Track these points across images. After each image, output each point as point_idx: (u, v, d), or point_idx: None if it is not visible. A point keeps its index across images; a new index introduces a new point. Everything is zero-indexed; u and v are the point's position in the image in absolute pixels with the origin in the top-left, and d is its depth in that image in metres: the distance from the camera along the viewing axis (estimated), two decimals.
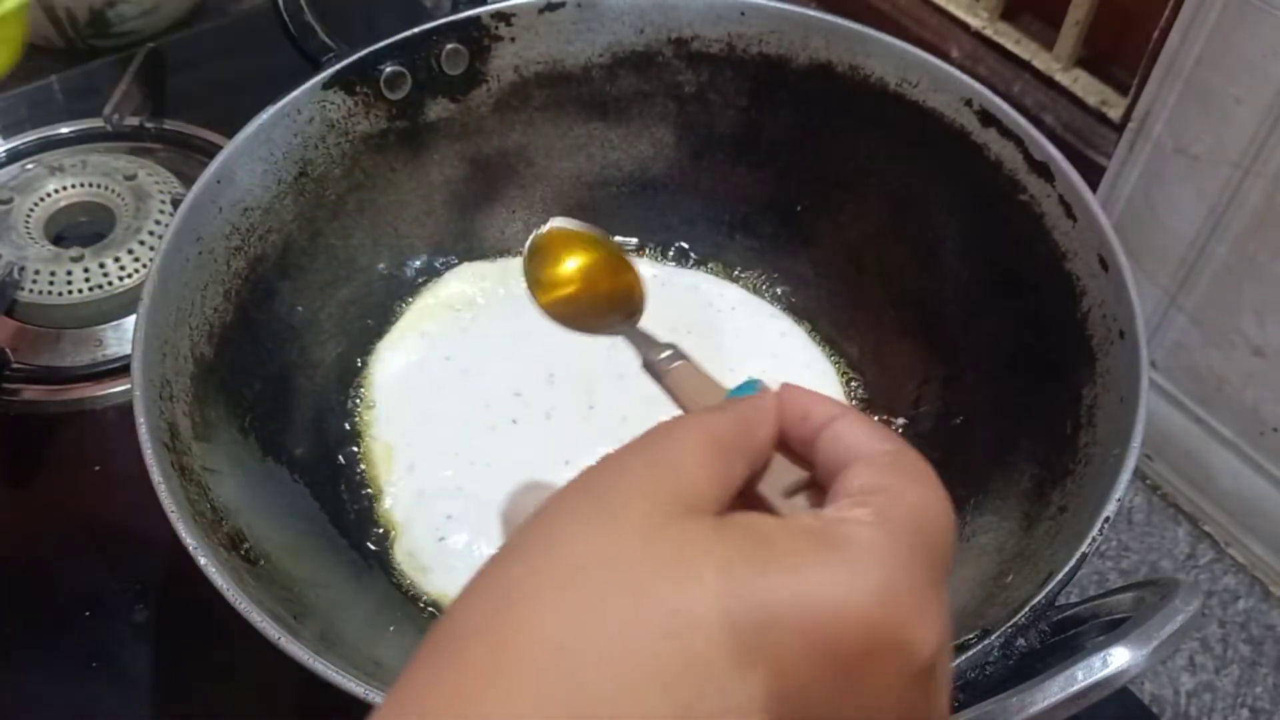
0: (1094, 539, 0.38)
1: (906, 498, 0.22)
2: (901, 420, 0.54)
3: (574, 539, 0.21)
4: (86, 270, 0.61)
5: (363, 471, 0.52)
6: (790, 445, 0.25)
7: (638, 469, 0.22)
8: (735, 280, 0.60)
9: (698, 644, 0.19)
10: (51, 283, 0.61)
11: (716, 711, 0.19)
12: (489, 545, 0.50)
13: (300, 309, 0.53)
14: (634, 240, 0.62)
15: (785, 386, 0.25)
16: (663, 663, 0.19)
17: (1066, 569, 0.37)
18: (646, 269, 0.60)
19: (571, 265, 0.29)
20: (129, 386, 0.42)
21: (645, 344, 0.33)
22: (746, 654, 0.19)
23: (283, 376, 0.52)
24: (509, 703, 0.19)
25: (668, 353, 0.33)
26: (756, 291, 0.60)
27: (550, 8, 0.55)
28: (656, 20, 0.56)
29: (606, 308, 0.31)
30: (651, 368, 0.32)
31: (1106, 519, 0.38)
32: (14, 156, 0.69)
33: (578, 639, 0.19)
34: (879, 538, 0.21)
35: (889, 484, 0.22)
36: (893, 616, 0.20)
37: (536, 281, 0.30)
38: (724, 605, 0.19)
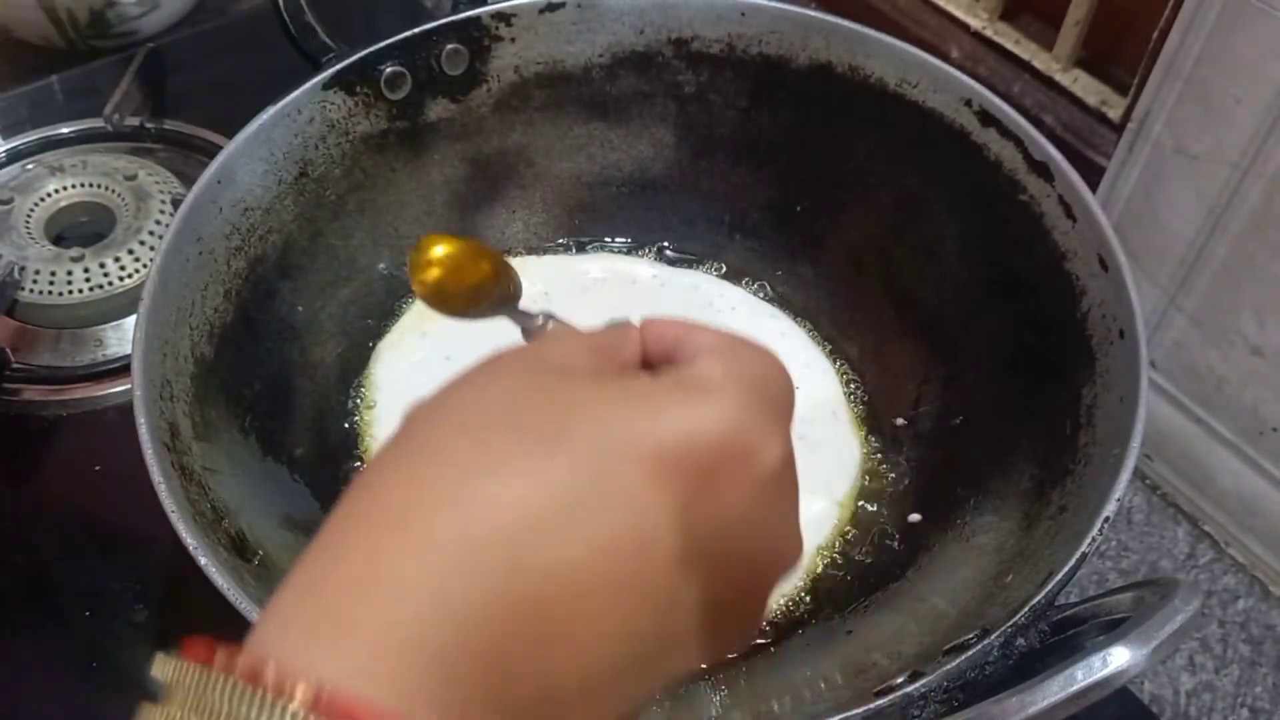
0: (1094, 539, 0.38)
1: (748, 358, 0.26)
2: (901, 420, 0.54)
3: (468, 400, 0.24)
4: (86, 270, 0.61)
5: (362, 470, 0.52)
6: (653, 363, 0.28)
7: (520, 358, 0.26)
8: (735, 280, 0.60)
9: (609, 470, 0.22)
10: (51, 283, 0.61)
11: (624, 524, 0.22)
12: None
13: (300, 309, 0.53)
14: (642, 240, 0.62)
15: (646, 317, 0.29)
16: (575, 492, 0.22)
17: (1066, 569, 0.37)
18: (646, 269, 0.60)
19: (439, 251, 0.31)
20: (129, 386, 0.42)
21: (521, 318, 0.36)
22: (644, 476, 0.22)
23: (283, 376, 0.52)
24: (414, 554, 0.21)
25: (540, 319, 0.35)
26: (756, 291, 0.60)
27: (550, 8, 0.55)
28: (656, 20, 0.56)
29: (478, 292, 0.34)
30: (528, 335, 0.34)
31: (1106, 519, 0.38)
32: (14, 156, 0.69)
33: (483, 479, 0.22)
34: (727, 381, 0.24)
35: (734, 352, 0.26)
36: (741, 433, 0.23)
37: (413, 278, 0.32)
38: (601, 444, 0.22)
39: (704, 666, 0.28)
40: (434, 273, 0.32)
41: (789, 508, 0.26)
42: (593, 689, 0.22)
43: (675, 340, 0.27)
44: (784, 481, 0.25)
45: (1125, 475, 0.39)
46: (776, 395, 0.26)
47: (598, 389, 0.24)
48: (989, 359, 0.52)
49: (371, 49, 0.53)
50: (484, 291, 0.34)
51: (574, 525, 0.22)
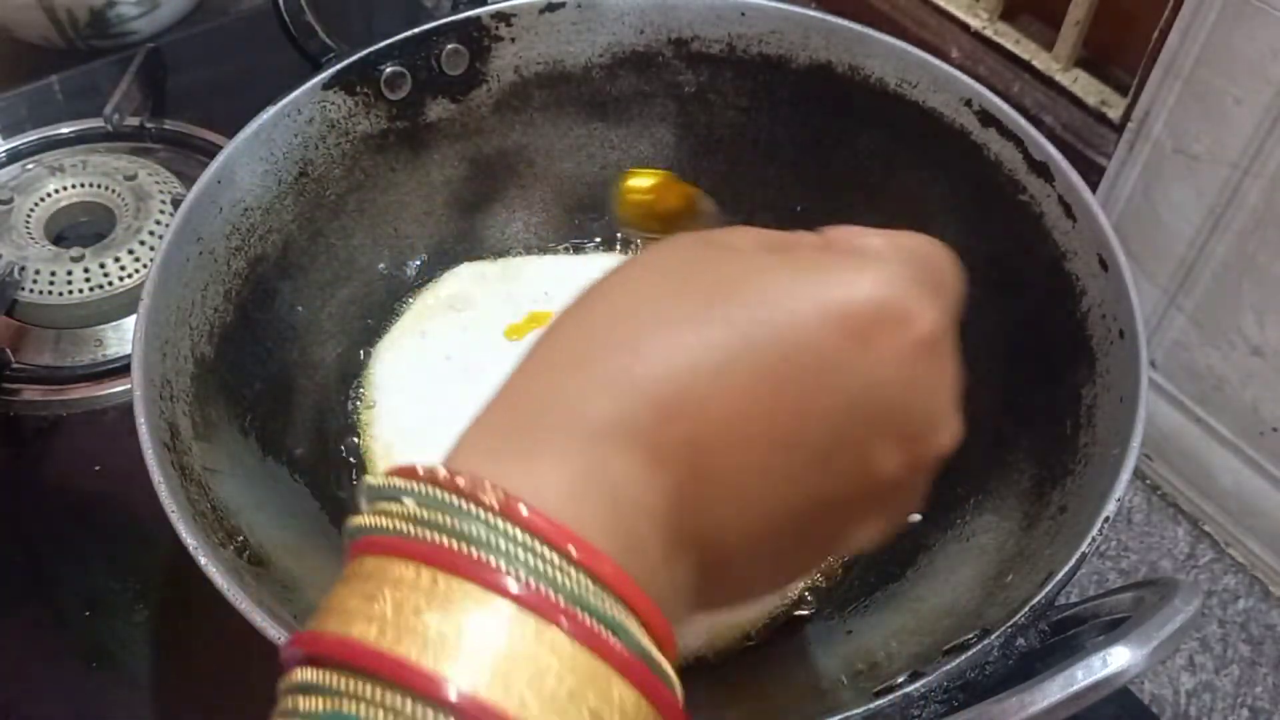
0: (1094, 539, 0.38)
1: (913, 242, 0.28)
2: None
3: (638, 272, 0.26)
4: (86, 270, 0.61)
5: (363, 471, 0.52)
6: None
7: (691, 238, 0.27)
8: None
9: (771, 326, 0.24)
10: (51, 283, 0.61)
11: (784, 378, 0.23)
12: None
13: (300, 309, 0.53)
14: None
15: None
16: (739, 346, 0.23)
17: (1066, 569, 0.37)
18: None
19: (644, 183, 0.33)
20: (129, 386, 0.42)
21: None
22: (802, 333, 0.24)
23: (283, 376, 0.52)
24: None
25: None
26: None
27: (550, 8, 0.55)
28: (656, 20, 0.56)
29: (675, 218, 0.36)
30: None
31: (1106, 519, 0.38)
32: (14, 156, 0.69)
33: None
34: (888, 253, 0.26)
35: (901, 235, 0.28)
36: (897, 298, 0.24)
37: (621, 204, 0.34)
38: (762, 302, 0.24)
39: (864, 543, 0.28)
40: (641, 198, 0.34)
41: (943, 379, 0.26)
42: (754, 538, 0.24)
43: (848, 233, 0.28)
44: (939, 351, 0.25)
45: (1125, 475, 0.39)
46: (937, 274, 0.27)
47: (761, 259, 0.25)
48: (988, 359, 0.51)
49: (371, 49, 0.53)
50: (679, 218, 0.36)
51: (737, 375, 0.23)
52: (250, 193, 0.50)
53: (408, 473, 0.22)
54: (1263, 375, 0.54)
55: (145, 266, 0.62)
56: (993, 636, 0.36)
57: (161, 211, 0.64)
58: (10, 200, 0.64)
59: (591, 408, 0.22)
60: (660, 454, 0.22)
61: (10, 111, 0.73)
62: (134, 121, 0.70)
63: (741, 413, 0.23)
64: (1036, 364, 0.49)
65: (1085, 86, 0.62)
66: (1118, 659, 0.33)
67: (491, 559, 0.20)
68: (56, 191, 0.65)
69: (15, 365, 0.59)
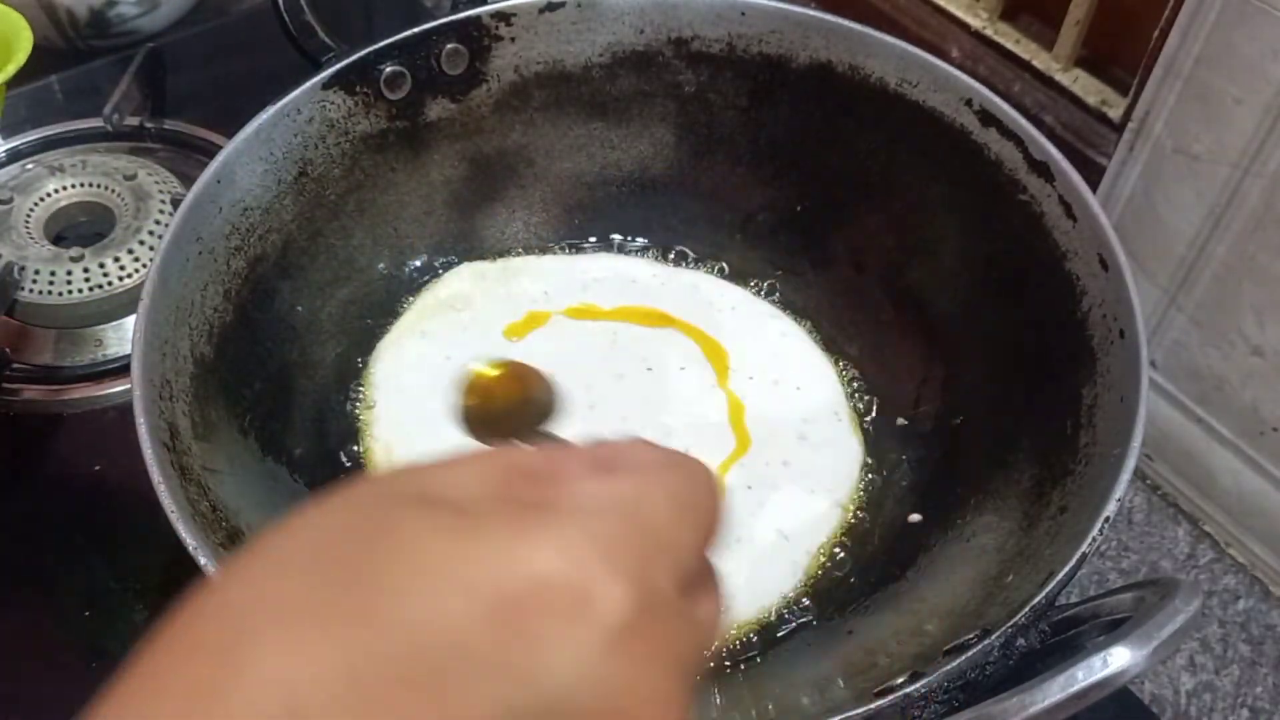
0: (1094, 539, 0.38)
1: (647, 479, 0.23)
2: (902, 420, 0.54)
3: (290, 540, 0.21)
4: (86, 270, 0.61)
5: (362, 471, 0.52)
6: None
7: (394, 480, 0.23)
8: (735, 280, 0.60)
9: (401, 639, 0.19)
10: (51, 283, 0.61)
11: (405, 702, 0.19)
12: None
13: (300, 309, 0.53)
14: (643, 240, 0.61)
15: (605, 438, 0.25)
16: (355, 672, 0.19)
17: (1067, 569, 0.37)
18: (646, 269, 0.60)
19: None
20: (129, 386, 0.42)
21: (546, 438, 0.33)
22: (432, 647, 0.19)
23: (283, 376, 0.52)
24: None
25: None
26: (756, 291, 0.60)
27: (550, 8, 0.55)
28: (656, 20, 0.56)
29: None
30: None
31: (1107, 519, 0.38)
32: (14, 156, 0.69)
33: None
34: (587, 506, 0.21)
35: (635, 471, 0.23)
36: (566, 573, 0.20)
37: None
38: (398, 606, 0.19)
39: None
40: (470, 404, 0.32)
41: (652, 668, 0.21)
42: None
43: (609, 459, 0.23)
44: (642, 635, 0.20)
45: (1126, 475, 0.39)
46: (660, 528, 0.22)
47: (435, 530, 0.20)
48: (989, 359, 0.52)
49: (371, 49, 0.53)
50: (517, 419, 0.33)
51: (351, 710, 0.18)
52: (250, 193, 0.50)
53: None
54: (1263, 375, 0.54)
55: (145, 266, 0.62)
56: (993, 637, 0.36)
57: (161, 211, 0.64)
58: (10, 200, 0.64)
59: None
60: None
61: (10, 111, 0.73)
62: (134, 121, 0.70)
63: None
64: (1036, 364, 0.49)
65: (1085, 86, 0.62)
66: (1118, 659, 0.33)
67: None
68: (56, 191, 0.65)
69: (15, 365, 0.59)
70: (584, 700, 0.20)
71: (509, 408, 0.33)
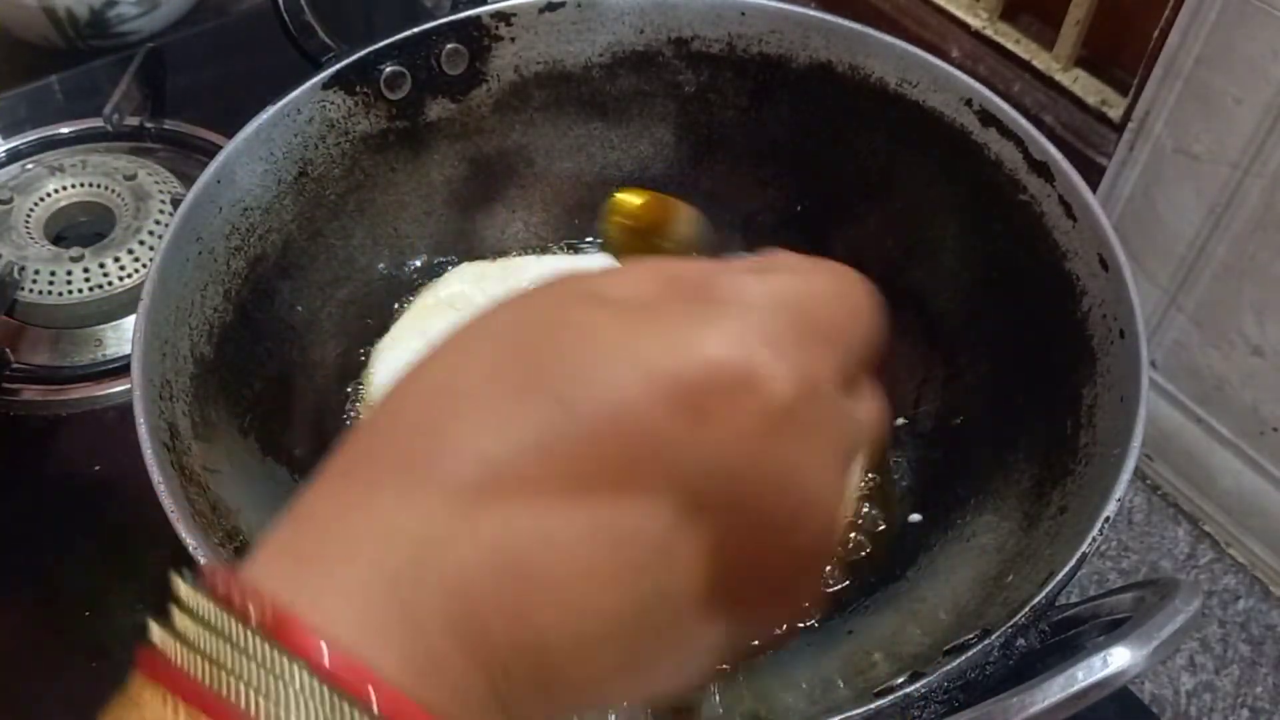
0: (1094, 539, 0.38)
1: (802, 280, 0.24)
2: (902, 420, 0.54)
3: (475, 333, 0.23)
4: (86, 270, 0.61)
5: None
6: None
7: (566, 284, 0.25)
8: None
9: (586, 414, 0.21)
10: (51, 283, 0.61)
11: (597, 474, 0.20)
12: None
13: (300, 309, 0.53)
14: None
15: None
16: (547, 443, 0.21)
17: (1067, 569, 0.37)
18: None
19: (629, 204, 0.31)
20: (129, 386, 0.42)
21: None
22: (621, 418, 0.21)
23: (283, 376, 0.52)
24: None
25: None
26: None
27: (550, 8, 0.55)
28: (656, 20, 0.56)
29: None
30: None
31: (1107, 519, 0.38)
32: (14, 156, 0.69)
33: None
34: (750, 301, 0.22)
35: (790, 271, 0.24)
36: (737, 357, 0.21)
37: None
38: (582, 385, 0.21)
39: (751, 646, 0.24)
40: (625, 221, 0.32)
41: (810, 453, 0.22)
42: (588, 643, 0.21)
43: (767, 264, 0.24)
44: (801, 419, 0.21)
45: (1126, 475, 0.39)
46: (821, 322, 0.23)
47: (601, 317, 0.22)
48: (989, 359, 0.52)
49: (371, 49, 0.53)
50: (666, 239, 0.34)
51: (548, 463, 0.20)
52: (250, 193, 0.50)
53: (204, 577, 0.20)
54: (1263, 375, 0.54)
55: (145, 266, 0.62)
56: (993, 637, 0.36)
57: (161, 211, 0.64)
58: (10, 200, 0.64)
59: (395, 515, 0.20)
60: (465, 561, 0.20)
61: (10, 111, 0.73)
62: (134, 121, 0.70)
63: (554, 505, 0.20)
64: (1037, 364, 0.49)
65: (1085, 86, 0.62)
66: (1118, 659, 0.33)
67: (266, 708, 0.18)
68: (56, 191, 0.65)
69: (15, 365, 0.59)
70: (749, 473, 0.21)
71: (655, 230, 0.33)
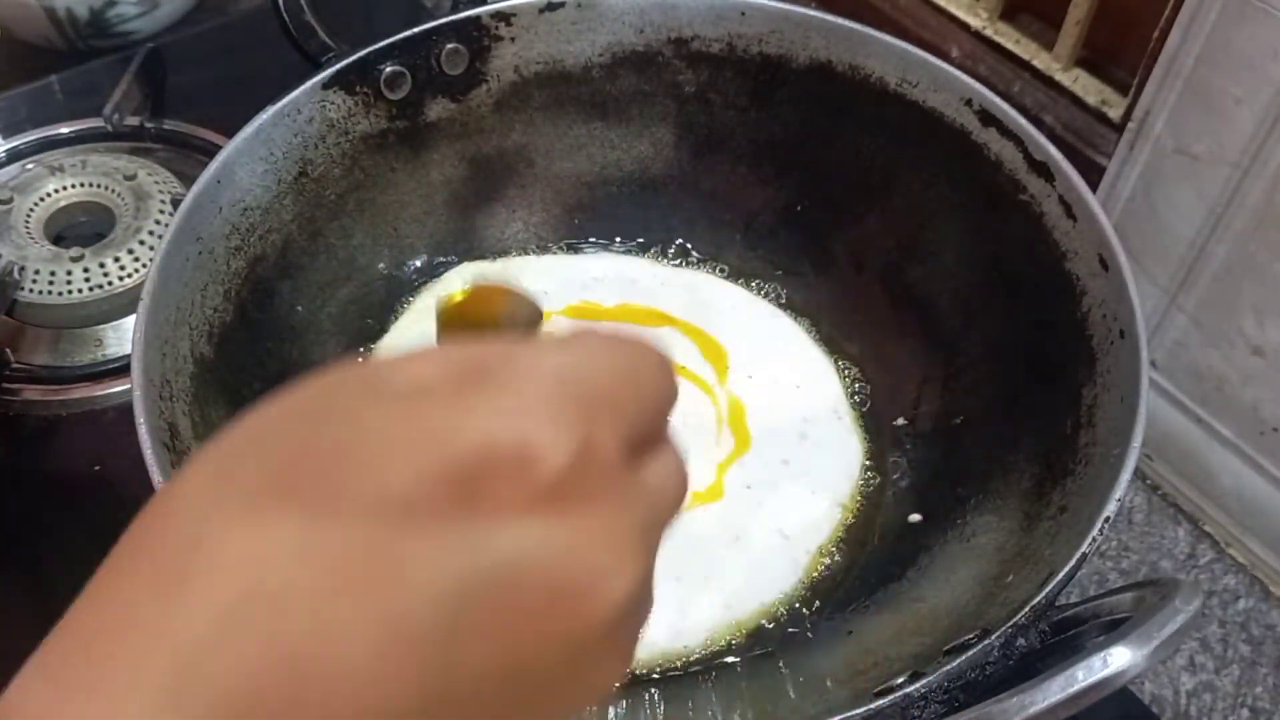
0: (1094, 539, 0.38)
1: (585, 349, 0.23)
2: (902, 420, 0.54)
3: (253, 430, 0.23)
4: (86, 270, 0.61)
5: None
6: None
7: (348, 373, 0.24)
8: (736, 280, 0.60)
9: (352, 525, 0.20)
10: (51, 283, 0.61)
11: (353, 570, 0.19)
12: None
13: (300, 309, 0.53)
14: (643, 240, 0.61)
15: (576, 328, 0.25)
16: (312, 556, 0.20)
17: (1067, 569, 0.37)
18: (646, 269, 0.60)
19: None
20: (129, 386, 0.42)
21: None
22: (388, 518, 0.20)
23: (283, 376, 0.52)
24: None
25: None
26: (756, 291, 0.60)
27: (550, 8, 0.55)
28: (656, 20, 0.56)
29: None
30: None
31: (1107, 519, 0.38)
32: (14, 156, 0.69)
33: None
34: (536, 372, 0.21)
35: (570, 344, 0.23)
36: (510, 432, 0.20)
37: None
38: (350, 488, 0.20)
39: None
40: (450, 312, 0.31)
41: (600, 520, 0.21)
42: None
43: (556, 341, 0.24)
44: (585, 487, 0.21)
45: (1126, 475, 0.39)
46: (602, 391, 0.22)
47: (381, 412, 0.21)
48: (989, 359, 0.52)
49: (371, 49, 0.53)
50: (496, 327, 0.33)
51: (309, 587, 0.19)
52: (250, 192, 0.50)
53: None
54: (1263, 375, 0.54)
55: (145, 266, 0.62)
56: (993, 637, 0.36)
57: (161, 211, 0.64)
58: (10, 200, 0.64)
59: (155, 629, 0.20)
60: (229, 669, 0.19)
61: (10, 111, 0.73)
62: (134, 121, 0.70)
63: (320, 609, 0.19)
64: (1036, 364, 0.49)
65: (1085, 86, 0.62)
66: (1118, 659, 0.33)
67: None
68: (56, 191, 0.65)
69: (15, 365, 0.59)
70: (536, 555, 0.20)
71: (482, 323, 0.32)
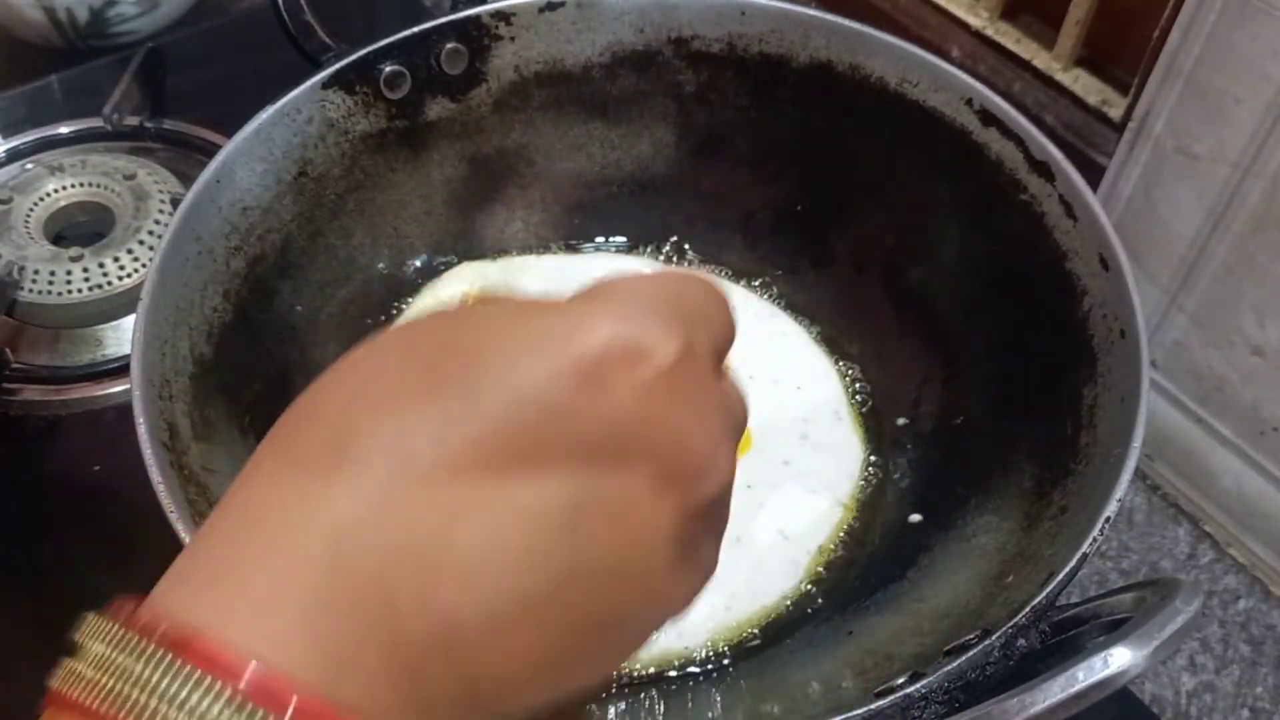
0: (1095, 539, 0.38)
1: (669, 279, 0.26)
2: (902, 420, 0.54)
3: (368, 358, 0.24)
4: (86, 270, 0.61)
5: None
6: None
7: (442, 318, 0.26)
8: (736, 280, 0.60)
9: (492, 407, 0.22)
10: (51, 283, 0.61)
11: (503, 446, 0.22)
12: None
13: (300, 309, 0.53)
14: (643, 240, 0.61)
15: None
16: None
17: (1067, 569, 0.37)
18: (646, 269, 0.60)
19: None
20: (129, 386, 0.42)
21: None
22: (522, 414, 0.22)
23: (283, 376, 0.52)
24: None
25: None
26: (756, 291, 0.60)
27: (550, 7, 0.55)
28: (656, 20, 0.56)
29: None
30: None
31: (1107, 519, 0.38)
32: (14, 156, 0.69)
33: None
34: (629, 290, 0.24)
35: (647, 277, 0.26)
36: (626, 331, 0.23)
37: None
38: (479, 384, 0.22)
39: (657, 617, 0.25)
40: None
41: (696, 410, 0.24)
42: (502, 631, 0.21)
43: (603, 285, 0.26)
44: (685, 382, 0.23)
45: (1126, 475, 0.39)
46: (689, 308, 0.25)
47: (496, 323, 0.24)
48: (990, 359, 0.52)
49: (371, 48, 0.53)
50: None
51: (458, 446, 0.21)
52: (249, 192, 0.50)
53: (112, 609, 0.21)
54: (1263, 375, 0.54)
55: (144, 266, 0.62)
56: (994, 637, 0.36)
57: (161, 211, 0.64)
58: (10, 200, 0.64)
59: (307, 511, 0.21)
60: (376, 547, 0.21)
61: (10, 111, 0.73)
62: (133, 121, 0.70)
63: (464, 488, 0.21)
64: (1037, 364, 0.49)
65: (1086, 86, 0.62)
66: (1119, 659, 0.33)
67: None
68: (56, 191, 0.65)
69: (15, 365, 0.59)
70: (649, 429, 0.23)
71: None
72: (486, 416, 0.21)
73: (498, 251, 0.61)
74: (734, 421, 0.25)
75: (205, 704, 0.19)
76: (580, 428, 0.22)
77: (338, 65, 0.52)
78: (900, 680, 0.37)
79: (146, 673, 0.19)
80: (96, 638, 0.21)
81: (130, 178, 0.66)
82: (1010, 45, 0.65)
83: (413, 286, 0.58)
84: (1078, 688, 0.33)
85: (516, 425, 0.21)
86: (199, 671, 0.19)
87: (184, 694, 0.19)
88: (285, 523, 0.21)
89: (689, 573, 0.25)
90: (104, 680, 0.20)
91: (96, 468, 0.56)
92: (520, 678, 0.22)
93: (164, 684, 0.19)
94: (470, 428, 0.21)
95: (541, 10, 0.55)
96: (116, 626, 0.20)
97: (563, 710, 0.23)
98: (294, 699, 0.19)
